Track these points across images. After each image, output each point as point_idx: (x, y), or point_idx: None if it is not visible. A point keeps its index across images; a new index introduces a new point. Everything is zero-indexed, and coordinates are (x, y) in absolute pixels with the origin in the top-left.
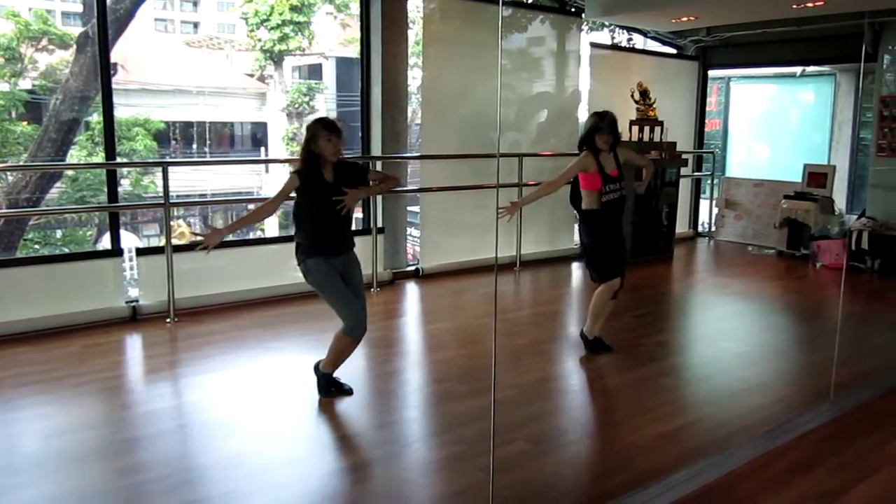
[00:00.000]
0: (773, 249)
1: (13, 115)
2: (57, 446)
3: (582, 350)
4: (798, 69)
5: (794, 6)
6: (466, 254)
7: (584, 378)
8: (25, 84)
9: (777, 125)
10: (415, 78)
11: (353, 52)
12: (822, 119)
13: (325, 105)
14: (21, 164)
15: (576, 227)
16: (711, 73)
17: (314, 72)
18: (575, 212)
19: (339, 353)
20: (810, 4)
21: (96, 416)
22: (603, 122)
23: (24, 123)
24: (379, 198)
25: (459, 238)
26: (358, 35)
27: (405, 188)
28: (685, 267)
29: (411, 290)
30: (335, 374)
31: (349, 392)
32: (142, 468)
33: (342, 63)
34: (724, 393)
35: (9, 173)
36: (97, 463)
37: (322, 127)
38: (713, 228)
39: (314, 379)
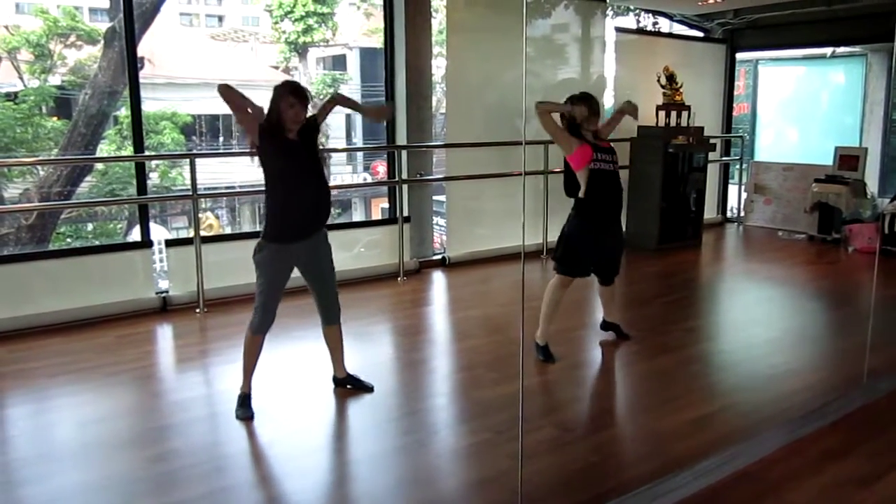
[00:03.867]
0: (803, 234)
1: (44, 110)
2: (91, 434)
3: (610, 336)
4: (828, 50)
5: None
6: (493, 242)
7: (613, 365)
8: (55, 80)
9: (807, 108)
10: (438, 67)
11: (377, 42)
12: (853, 101)
13: (350, 95)
14: (52, 157)
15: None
16: (739, 55)
17: (338, 62)
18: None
19: (250, 357)
20: None
21: (129, 405)
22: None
23: (55, 119)
24: (405, 187)
25: (486, 226)
26: (381, 25)
27: (432, 177)
28: (714, 253)
29: (438, 278)
30: (353, 372)
31: (370, 388)
32: (174, 455)
33: (366, 53)
34: (754, 379)
35: (41, 168)
36: (130, 450)
37: (289, 92)
38: (742, 213)
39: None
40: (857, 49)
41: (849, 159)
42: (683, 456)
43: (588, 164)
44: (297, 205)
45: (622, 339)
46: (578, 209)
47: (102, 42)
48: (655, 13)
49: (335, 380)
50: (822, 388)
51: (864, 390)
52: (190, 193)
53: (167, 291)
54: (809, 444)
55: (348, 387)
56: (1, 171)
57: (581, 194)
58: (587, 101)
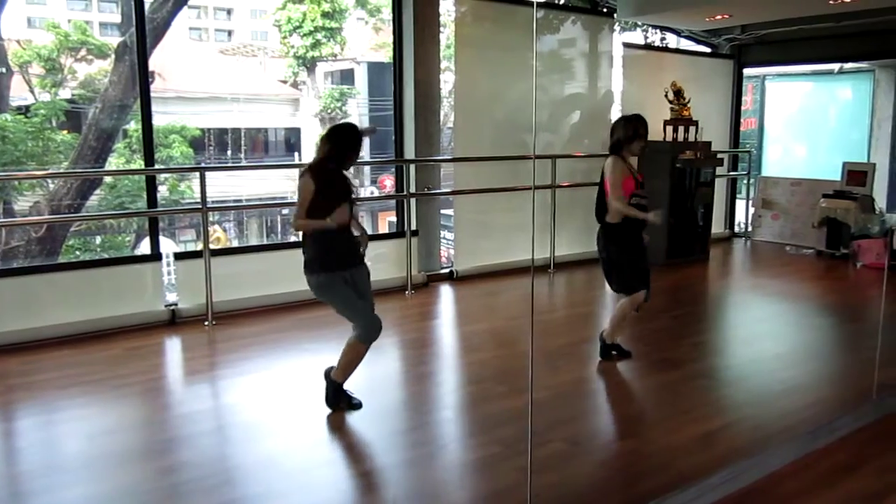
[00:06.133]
0: (811, 249)
1: (54, 124)
2: (100, 446)
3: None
4: (836, 66)
5: (831, 2)
6: (500, 256)
7: (621, 379)
8: (65, 94)
9: (814, 123)
10: (446, 81)
11: (385, 56)
12: (860, 116)
13: (358, 110)
14: (62, 171)
15: None
16: (746, 71)
17: (346, 77)
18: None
19: (353, 360)
20: (847, 0)
21: (138, 417)
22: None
23: (65, 132)
24: (413, 201)
25: (493, 240)
26: (390, 40)
27: (439, 191)
28: (721, 267)
29: (445, 292)
30: (345, 387)
31: (358, 405)
32: (182, 468)
33: (374, 68)
34: (763, 394)
35: (51, 181)
36: (139, 462)
37: (351, 146)
38: (750, 228)
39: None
40: (864, 65)
41: (857, 175)
42: (692, 471)
43: (628, 197)
44: (341, 243)
45: (624, 357)
46: (621, 233)
47: (113, 56)
48: (663, 29)
49: (326, 373)
50: (832, 403)
51: (874, 406)
52: (199, 207)
53: (176, 304)
54: (819, 460)
55: (341, 404)
56: (12, 184)
57: (618, 220)
58: (639, 125)
